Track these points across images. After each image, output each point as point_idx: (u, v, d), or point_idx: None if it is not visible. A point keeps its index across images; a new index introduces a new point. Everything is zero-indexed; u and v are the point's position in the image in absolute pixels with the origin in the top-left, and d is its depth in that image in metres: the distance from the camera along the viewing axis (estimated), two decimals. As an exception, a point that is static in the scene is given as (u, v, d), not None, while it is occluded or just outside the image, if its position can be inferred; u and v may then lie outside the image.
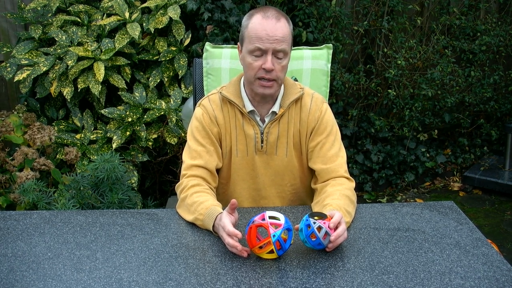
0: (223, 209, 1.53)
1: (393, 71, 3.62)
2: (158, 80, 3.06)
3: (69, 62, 2.86)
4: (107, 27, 3.05)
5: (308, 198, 1.90)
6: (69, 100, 2.99)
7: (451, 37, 3.95)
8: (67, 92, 2.90)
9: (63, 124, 3.01)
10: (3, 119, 2.92)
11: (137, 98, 2.98)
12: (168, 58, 3.03)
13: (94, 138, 2.95)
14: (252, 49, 1.63)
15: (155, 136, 2.99)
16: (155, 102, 2.98)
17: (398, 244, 1.48)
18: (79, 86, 2.90)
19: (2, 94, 3.52)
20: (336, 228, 1.40)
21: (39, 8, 3.16)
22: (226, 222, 1.43)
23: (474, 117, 4.25)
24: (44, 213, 1.70)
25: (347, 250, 1.44)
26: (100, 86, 2.87)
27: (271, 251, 1.37)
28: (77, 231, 1.57)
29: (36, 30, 3.07)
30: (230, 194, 1.85)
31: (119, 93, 2.98)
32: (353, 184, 1.74)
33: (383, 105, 3.96)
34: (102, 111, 2.94)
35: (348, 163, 1.88)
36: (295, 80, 2.02)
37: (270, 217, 1.40)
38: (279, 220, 1.39)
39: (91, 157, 2.79)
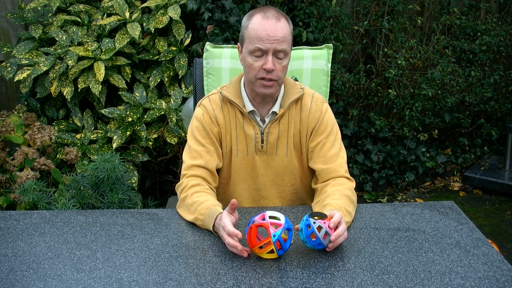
0: (223, 209, 1.53)
1: (394, 71, 3.62)
2: (158, 80, 3.06)
3: (70, 62, 2.86)
4: (107, 27, 3.05)
5: (308, 198, 1.90)
6: (69, 100, 2.99)
7: (451, 37, 3.95)
8: (67, 92, 2.90)
9: (63, 124, 3.01)
10: (3, 119, 2.92)
11: (137, 98, 2.98)
12: (168, 58, 3.03)
13: (94, 138, 2.95)
14: (253, 50, 1.63)
15: (155, 136, 2.99)
16: (155, 102, 2.98)
17: (398, 244, 1.48)
18: (79, 86, 2.90)
19: (2, 94, 3.52)
20: (336, 228, 1.40)
21: (39, 8, 3.16)
22: (226, 222, 1.43)
23: (474, 117, 4.25)
24: (44, 213, 1.70)
25: (347, 250, 1.44)
26: (100, 86, 2.87)
27: (271, 251, 1.37)
28: (77, 231, 1.57)
29: (37, 30, 3.07)
30: (230, 194, 1.85)
31: (119, 93, 2.98)
32: (353, 184, 1.74)
33: (383, 105, 3.96)
34: (102, 111, 2.94)
35: (348, 163, 1.88)
36: (296, 80, 2.02)
37: (270, 217, 1.40)
38: (279, 220, 1.39)
39: (91, 157, 2.79)
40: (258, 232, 1.42)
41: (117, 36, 2.98)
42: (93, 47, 2.97)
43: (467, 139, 4.21)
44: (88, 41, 3.02)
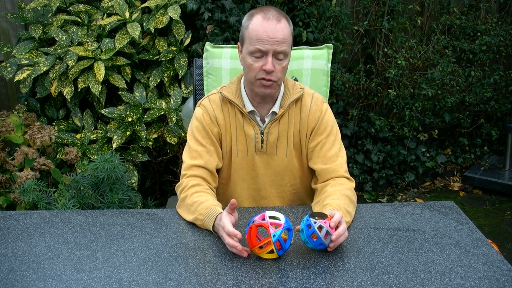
0: (223, 209, 1.53)
1: (393, 71, 3.62)
2: (158, 80, 3.06)
3: (69, 62, 2.86)
4: (107, 27, 3.05)
5: (308, 198, 1.90)
6: (69, 100, 2.99)
7: (451, 37, 3.95)
8: (67, 92, 2.90)
9: (63, 124, 3.01)
10: (3, 119, 2.92)
11: (137, 98, 2.98)
12: (168, 58, 3.03)
13: (94, 138, 2.95)
14: (253, 50, 1.63)
15: (155, 136, 2.99)
16: (155, 102, 2.98)
17: (398, 244, 1.48)
18: (79, 86, 2.90)
19: (2, 94, 3.53)
20: (336, 227, 1.40)
21: (39, 8, 3.16)
22: (226, 222, 1.43)
23: (474, 117, 4.25)
24: (44, 213, 1.70)
25: (347, 250, 1.44)
26: (100, 86, 2.87)
27: (271, 251, 1.37)
28: (77, 231, 1.57)
29: (36, 30, 3.07)
30: (230, 194, 1.85)
31: (119, 93, 2.98)
32: (353, 184, 1.74)
33: (383, 105, 3.96)
34: (102, 111, 2.94)
35: (348, 163, 1.88)
36: (295, 80, 2.02)
37: (270, 217, 1.40)
38: (279, 220, 1.39)
39: (91, 157, 2.79)
40: (258, 232, 1.42)
41: (117, 36, 2.98)
42: (93, 47, 2.97)
43: (467, 139, 4.21)
44: (88, 41, 3.02)
